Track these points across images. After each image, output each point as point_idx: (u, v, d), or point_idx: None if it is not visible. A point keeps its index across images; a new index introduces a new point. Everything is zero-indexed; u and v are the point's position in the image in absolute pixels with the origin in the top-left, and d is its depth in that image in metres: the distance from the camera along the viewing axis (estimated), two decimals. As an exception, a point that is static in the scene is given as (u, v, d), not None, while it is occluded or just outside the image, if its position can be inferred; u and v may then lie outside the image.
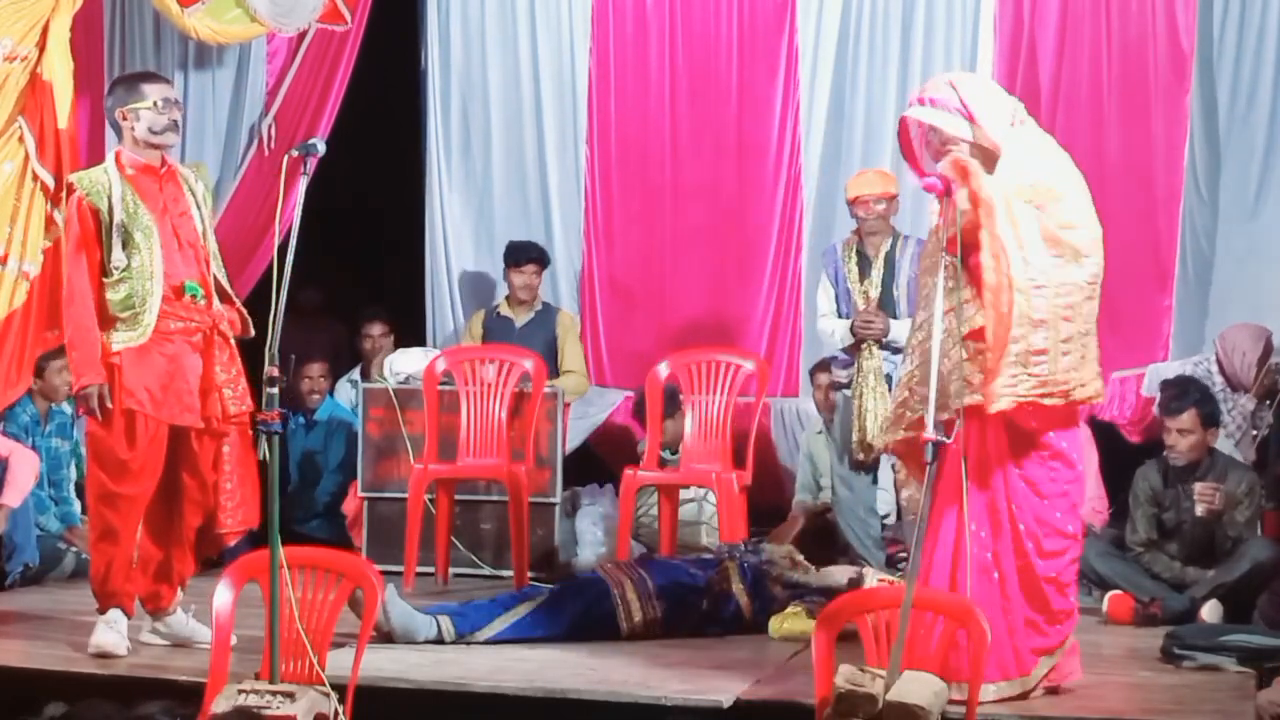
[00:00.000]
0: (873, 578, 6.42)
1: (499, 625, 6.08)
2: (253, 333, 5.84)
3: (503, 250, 8.51)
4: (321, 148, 5.04)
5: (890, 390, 6.92)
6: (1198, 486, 6.71)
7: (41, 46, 6.58)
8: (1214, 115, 8.15)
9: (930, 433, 4.74)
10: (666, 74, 8.84)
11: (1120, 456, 7.58)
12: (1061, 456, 5.13)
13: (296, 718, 4.49)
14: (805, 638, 5.30)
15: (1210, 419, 6.82)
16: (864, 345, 7.09)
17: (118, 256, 5.68)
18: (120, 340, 5.68)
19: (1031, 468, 5.10)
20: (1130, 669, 5.78)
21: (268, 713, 4.48)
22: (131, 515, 5.74)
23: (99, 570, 5.78)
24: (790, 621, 6.23)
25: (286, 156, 4.96)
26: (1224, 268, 8.16)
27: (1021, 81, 8.00)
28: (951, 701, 4.67)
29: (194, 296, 5.78)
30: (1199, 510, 6.71)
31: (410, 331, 8.93)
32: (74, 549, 7.34)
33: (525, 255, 8.37)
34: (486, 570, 7.70)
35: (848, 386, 7.17)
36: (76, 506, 7.54)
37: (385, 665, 5.40)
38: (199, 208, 5.89)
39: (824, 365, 7.86)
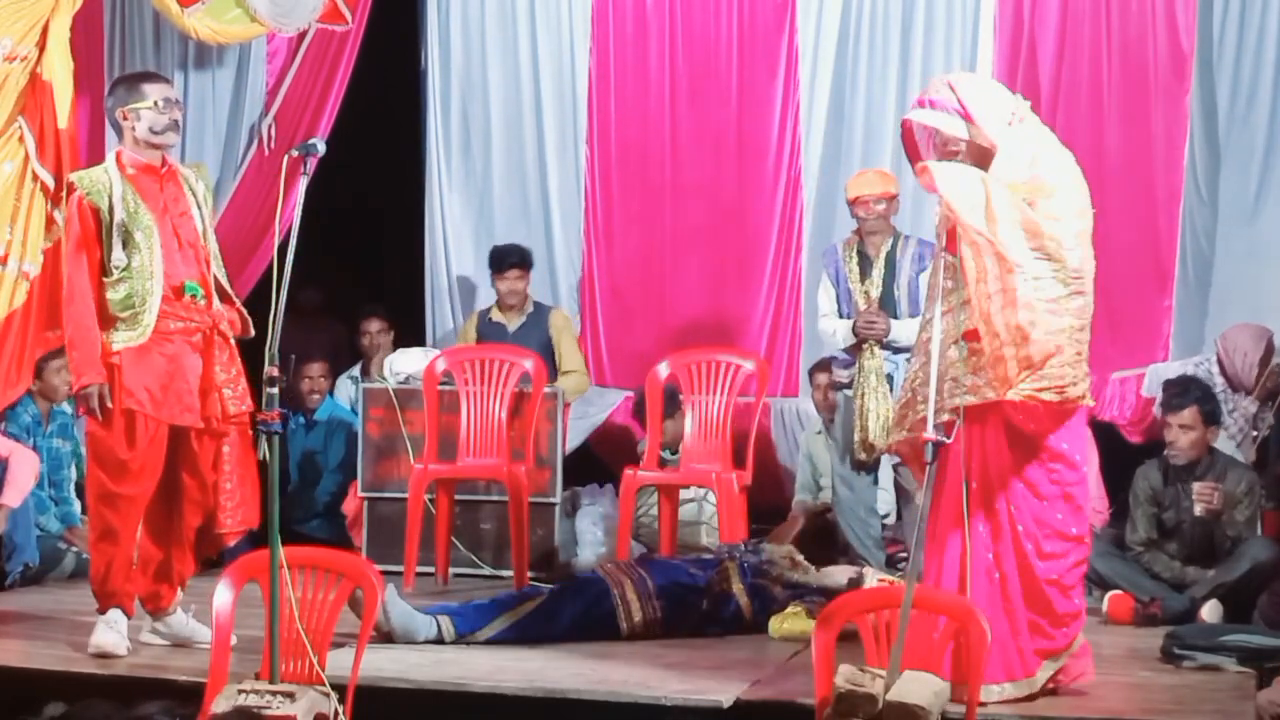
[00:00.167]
0: (873, 578, 6.42)
1: (499, 625, 6.08)
2: (253, 333, 5.84)
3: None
4: (321, 148, 5.04)
5: (891, 390, 6.94)
6: (1196, 486, 6.71)
7: (41, 46, 6.58)
8: (1214, 115, 8.15)
9: (930, 433, 4.75)
10: (666, 74, 8.84)
11: (1120, 456, 7.58)
12: (1062, 458, 5.11)
13: (296, 718, 4.49)
14: (805, 638, 5.30)
15: (1211, 417, 6.83)
16: (865, 345, 7.09)
17: (118, 256, 5.68)
18: (120, 340, 5.68)
19: (1030, 469, 5.09)
20: (1130, 669, 5.78)
21: (268, 713, 4.48)
22: (131, 515, 5.74)
23: (99, 570, 5.78)
24: (790, 621, 6.23)
25: (286, 156, 4.96)
26: (1224, 268, 8.16)
27: (1021, 81, 8.00)
28: (952, 701, 4.67)
29: (194, 296, 5.77)
30: (1198, 510, 6.71)
31: (410, 331, 8.93)
32: (74, 549, 7.34)
33: (506, 261, 8.30)
34: (486, 570, 7.70)
35: (849, 386, 7.17)
36: (76, 507, 7.54)
37: (385, 665, 5.40)
38: (199, 208, 5.89)
39: (822, 365, 7.87)
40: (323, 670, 4.65)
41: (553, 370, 8.07)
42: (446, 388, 7.62)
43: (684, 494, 7.83)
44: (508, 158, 9.11)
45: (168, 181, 5.85)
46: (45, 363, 7.21)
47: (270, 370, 4.71)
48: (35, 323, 6.60)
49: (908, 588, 4.62)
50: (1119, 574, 6.80)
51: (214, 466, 5.83)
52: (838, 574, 6.61)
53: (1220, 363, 7.68)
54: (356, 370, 8.95)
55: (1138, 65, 8.17)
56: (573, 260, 9.02)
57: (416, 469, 7.40)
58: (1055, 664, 5.15)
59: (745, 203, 8.75)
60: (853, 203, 7.24)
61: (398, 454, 7.80)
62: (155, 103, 5.78)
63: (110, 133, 6.28)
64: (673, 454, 7.88)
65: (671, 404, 7.87)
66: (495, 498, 7.63)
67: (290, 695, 4.54)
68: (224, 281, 5.91)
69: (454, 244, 9.13)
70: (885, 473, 7.42)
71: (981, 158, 5.07)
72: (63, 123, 6.60)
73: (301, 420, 8.47)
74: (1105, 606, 6.68)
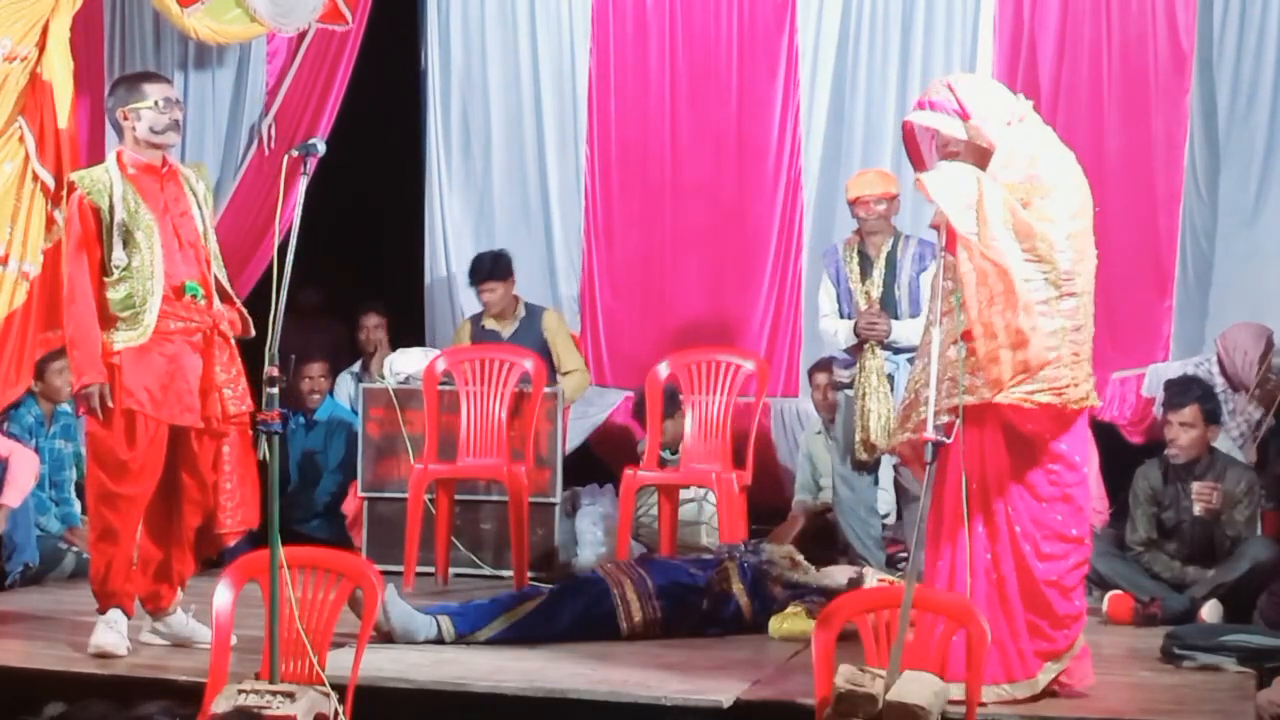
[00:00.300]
0: (873, 578, 6.42)
1: (499, 625, 6.08)
2: (253, 333, 5.84)
3: (501, 250, 8.48)
4: (321, 148, 5.04)
5: (892, 390, 6.95)
6: (1196, 486, 6.71)
7: (41, 46, 6.59)
8: (1214, 115, 8.15)
9: (930, 433, 4.76)
10: (666, 74, 8.85)
11: (1120, 456, 7.58)
12: (1062, 459, 5.09)
13: (296, 718, 4.49)
14: (805, 638, 5.29)
15: (1212, 416, 6.85)
16: (867, 345, 7.09)
17: (118, 256, 5.68)
18: (120, 340, 5.68)
19: (1029, 470, 5.08)
20: (1130, 669, 5.78)
21: (268, 713, 4.48)
22: (131, 515, 5.74)
23: (99, 570, 5.77)
24: (790, 621, 6.23)
25: (286, 156, 4.96)
26: (1224, 268, 8.15)
27: (1022, 81, 7.99)
28: (951, 702, 4.67)
29: (194, 296, 5.78)
30: (1197, 510, 6.71)
31: (409, 331, 8.93)
32: (74, 549, 7.34)
33: (477, 275, 8.20)
34: (486, 570, 7.69)
35: (849, 386, 7.17)
36: (77, 507, 7.53)
37: (385, 665, 5.40)
38: (200, 208, 5.90)
39: (822, 365, 7.87)
40: (323, 670, 4.65)
41: (552, 372, 8.06)
42: (446, 388, 7.62)
43: (684, 494, 7.83)
44: (508, 158, 9.11)
45: (168, 181, 5.85)
46: (48, 364, 7.22)
47: (270, 370, 4.71)
48: (35, 323, 6.60)
49: (908, 588, 4.61)
50: (1119, 574, 6.80)
51: (214, 466, 5.83)
52: (838, 574, 6.61)
53: (1220, 362, 7.68)
54: (357, 367, 8.96)
55: (1138, 65, 8.17)
56: (573, 260, 9.02)
57: (416, 469, 7.40)
58: (1058, 665, 5.13)
59: (745, 203, 8.75)
60: (853, 203, 7.24)
61: (398, 454, 7.80)
62: (156, 102, 5.78)
63: (110, 133, 6.28)
64: (673, 454, 7.88)
65: (671, 404, 7.87)
66: (495, 498, 7.63)
67: (290, 695, 4.54)
68: (224, 281, 5.91)
69: (454, 244, 9.12)
70: (885, 473, 7.42)
71: (981, 158, 5.07)
72: (63, 123, 6.61)
73: (301, 420, 8.47)
74: (1105, 606, 6.68)
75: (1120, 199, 7.88)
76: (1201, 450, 6.81)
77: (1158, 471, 6.92)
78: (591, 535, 7.88)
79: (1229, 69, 8.13)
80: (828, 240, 8.05)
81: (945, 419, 4.96)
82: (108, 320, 5.69)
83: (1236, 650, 5.70)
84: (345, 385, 8.89)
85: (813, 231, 8.64)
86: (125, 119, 5.80)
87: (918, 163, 5.30)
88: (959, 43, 8.44)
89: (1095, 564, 6.65)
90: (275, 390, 4.73)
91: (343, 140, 7.31)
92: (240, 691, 4.56)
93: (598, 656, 5.78)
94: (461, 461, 7.47)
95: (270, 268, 4.87)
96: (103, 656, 5.65)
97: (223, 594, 4.76)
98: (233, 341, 5.87)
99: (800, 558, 6.71)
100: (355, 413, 8.27)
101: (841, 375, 7.28)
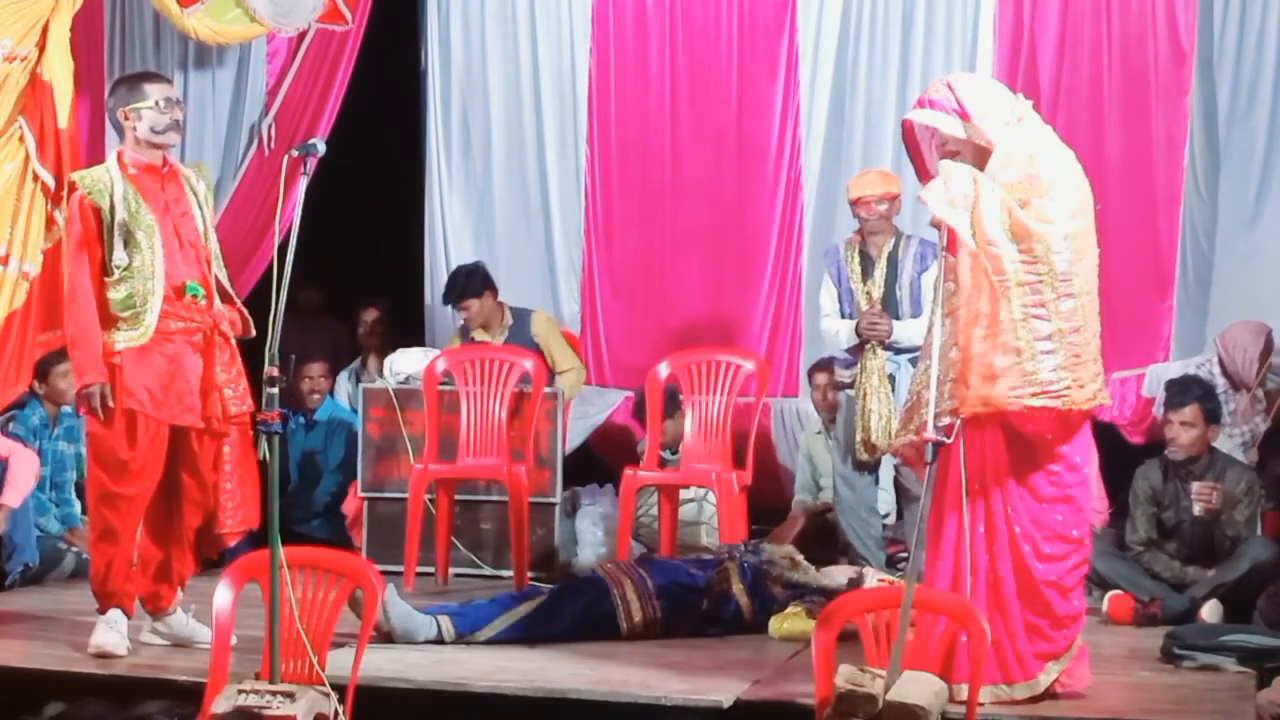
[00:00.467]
0: (873, 578, 6.42)
1: (499, 625, 6.08)
2: (253, 333, 5.84)
3: (502, 250, 8.48)
4: (321, 148, 5.04)
5: (893, 391, 6.95)
6: (1195, 486, 6.72)
7: (41, 46, 6.58)
8: (1214, 115, 8.15)
9: (930, 433, 4.76)
10: (666, 74, 8.85)
11: (1120, 456, 7.57)
12: (1062, 459, 5.08)
13: (296, 718, 4.49)
14: (805, 638, 5.29)
15: (1212, 415, 6.86)
16: (868, 345, 7.09)
17: (119, 256, 5.68)
18: (121, 340, 5.68)
19: (1029, 471, 5.06)
20: (1130, 669, 5.78)
21: (268, 713, 4.48)
22: (131, 515, 5.74)
23: (99, 570, 5.78)
24: (790, 621, 6.23)
25: (286, 156, 4.96)
26: (1224, 268, 8.16)
27: (1022, 81, 7.99)
28: (951, 702, 4.67)
29: (195, 296, 5.78)
30: (1197, 509, 6.72)
31: (409, 331, 8.93)
32: (74, 549, 7.34)
33: (456, 294, 8.14)
34: (486, 570, 7.70)
35: (850, 386, 7.17)
36: (77, 508, 7.53)
37: (385, 665, 5.40)
38: (200, 208, 5.90)
39: (822, 365, 7.87)
40: (323, 670, 4.65)
41: (550, 373, 8.06)
42: (446, 388, 7.62)
43: (684, 494, 7.83)
44: (508, 158, 9.11)
45: (169, 181, 5.85)
46: (53, 367, 7.23)
47: (270, 370, 4.71)
48: (35, 323, 6.60)
49: (908, 588, 4.62)
50: (1119, 574, 6.80)
51: (214, 466, 5.84)
52: (838, 574, 6.61)
53: (1221, 361, 7.69)
54: (357, 363, 8.96)
55: (1138, 65, 8.17)
56: (573, 260, 9.02)
57: (416, 469, 7.40)
58: (1058, 665, 5.13)
59: (745, 203, 8.75)
60: (854, 203, 7.24)
61: (398, 454, 7.80)
62: (156, 102, 5.78)
63: (110, 132, 6.28)
64: (673, 454, 7.88)
65: (671, 404, 7.87)
66: (495, 498, 7.63)
67: (290, 695, 4.54)
68: (225, 281, 5.91)
69: (454, 244, 9.12)
70: (886, 472, 7.42)
71: (980, 157, 5.07)
72: (63, 123, 6.60)
73: (301, 420, 8.48)
74: (1105, 606, 6.68)
75: (1120, 199, 7.88)
76: (1202, 449, 6.82)
77: (1158, 471, 6.92)
78: (591, 535, 7.88)
79: (1229, 69, 8.13)
80: (828, 240, 8.05)
81: (946, 420, 4.96)
82: (108, 320, 5.69)
83: (1236, 650, 5.70)
84: (343, 384, 8.88)
85: (813, 231, 8.64)
86: (126, 119, 5.80)
87: (917, 162, 5.30)
88: (959, 43, 8.44)
89: (1095, 564, 6.66)
90: (275, 390, 4.73)
91: (343, 140, 7.31)
92: (240, 691, 4.56)
93: (598, 656, 5.78)
94: (461, 461, 7.48)
95: (270, 268, 4.87)
96: (103, 656, 5.65)
97: (223, 594, 4.76)
98: (233, 341, 5.87)
99: (800, 558, 6.71)
100: (355, 412, 8.28)
101: (843, 375, 7.28)
